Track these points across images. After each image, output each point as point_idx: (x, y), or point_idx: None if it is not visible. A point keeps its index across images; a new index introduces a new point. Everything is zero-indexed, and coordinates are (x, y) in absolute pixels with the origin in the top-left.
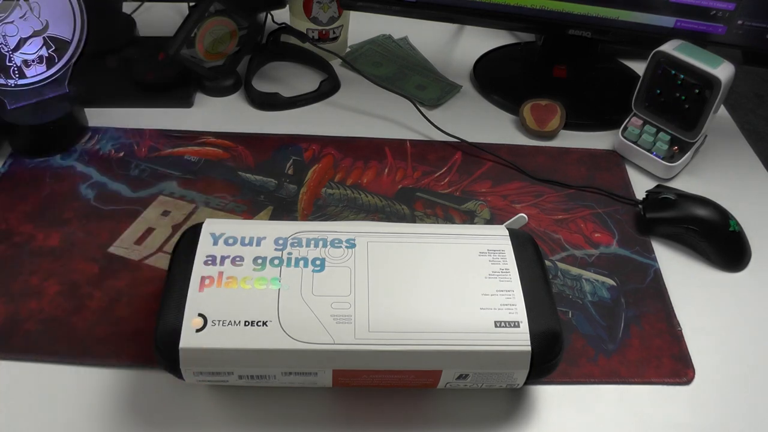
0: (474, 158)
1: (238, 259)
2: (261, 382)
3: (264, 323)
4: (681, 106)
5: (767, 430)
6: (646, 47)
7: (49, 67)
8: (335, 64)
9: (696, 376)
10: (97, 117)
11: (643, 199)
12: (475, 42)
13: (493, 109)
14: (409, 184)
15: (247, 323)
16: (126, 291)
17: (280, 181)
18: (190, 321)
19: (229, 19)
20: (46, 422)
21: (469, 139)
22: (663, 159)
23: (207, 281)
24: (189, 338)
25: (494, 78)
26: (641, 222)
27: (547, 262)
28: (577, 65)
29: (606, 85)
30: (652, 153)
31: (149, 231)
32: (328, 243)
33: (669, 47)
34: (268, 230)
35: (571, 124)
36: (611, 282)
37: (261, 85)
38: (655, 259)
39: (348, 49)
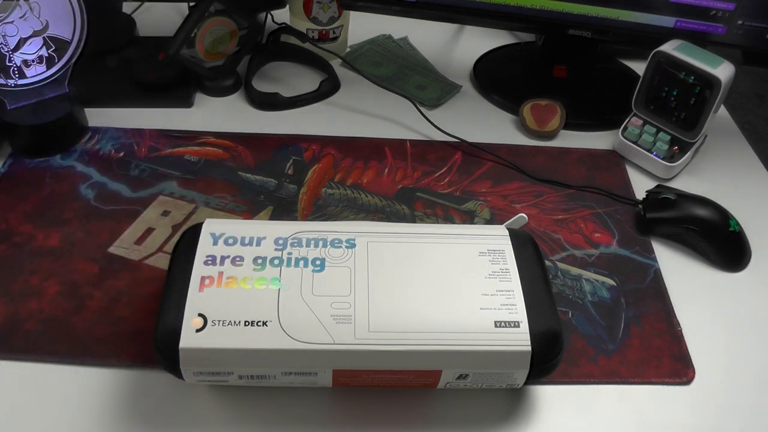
0: (474, 158)
1: (238, 259)
2: (261, 382)
3: (264, 323)
4: (681, 106)
5: (767, 430)
6: (646, 47)
7: (49, 67)
8: (335, 64)
9: (696, 376)
10: (97, 117)
11: (643, 199)
12: (475, 42)
13: (493, 109)
14: (409, 184)
15: (247, 323)
16: (126, 291)
17: (280, 181)
18: (190, 321)
19: (229, 19)
20: (46, 422)
21: (469, 139)
22: (663, 159)
23: (207, 281)
24: (189, 338)
25: (494, 78)
26: (641, 222)
27: (547, 262)
28: (577, 65)
29: (606, 85)
30: (652, 153)
31: (149, 231)
32: (328, 243)
33: (669, 47)
34: (268, 230)
35: (571, 124)
36: (611, 282)
37: (261, 85)
38: (655, 259)
39: (348, 49)
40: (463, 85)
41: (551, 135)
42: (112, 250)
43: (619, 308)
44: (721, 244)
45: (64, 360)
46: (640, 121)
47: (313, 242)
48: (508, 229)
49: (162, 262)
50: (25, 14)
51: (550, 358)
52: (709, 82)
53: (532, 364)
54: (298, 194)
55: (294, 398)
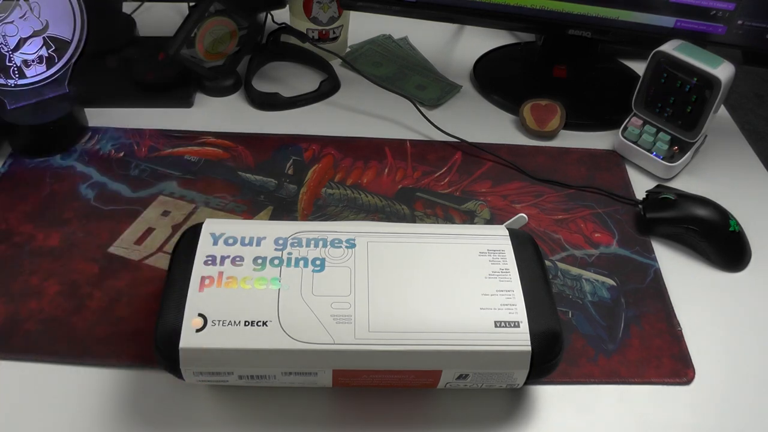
0: (474, 158)
1: (238, 259)
2: (261, 382)
3: (264, 323)
4: (681, 106)
5: (767, 430)
6: (646, 47)
7: (49, 67)
8: (335, 64)
9: (696, 376)
10: (97, 117)
11: (643, 199)
12: (475, 42)
13: (493, 109)
14: (409, 184)
15: (247, 323)
16: (126, 291)
17: (280, 181)
18: (190, 321)
19: (229, 19)
20: (46, 422)
21: (469, 139)
22: (663, 159)
23: (207, 281)
24: (189, 338)
25: (494, 78)
26: (641, 222)
27: (547, 262)
28: (577, 65)
29: (606, 85)
30: (652, 153)
31: (149, 231)
32: (328, 243)
33: (669, 47)
34: (268, 230)
35: (571, 124)
36: (611, 282)
37: (261, 85)
38: (655, 259)
39: (348, 49)
40: (463, 85)
41: (551, 135)
42: (112, 250)
43: (619, 308)
44: (721, 244)
45: (64, 360)
46: (640, 121)
47: (313, 242)
48: (508, 229)
49: (162, 262)
50: (25, 14)
51: (550, 358)
52: (709, 82)
53: (532, 364)
54: (298, 194)
55: (294, 398)
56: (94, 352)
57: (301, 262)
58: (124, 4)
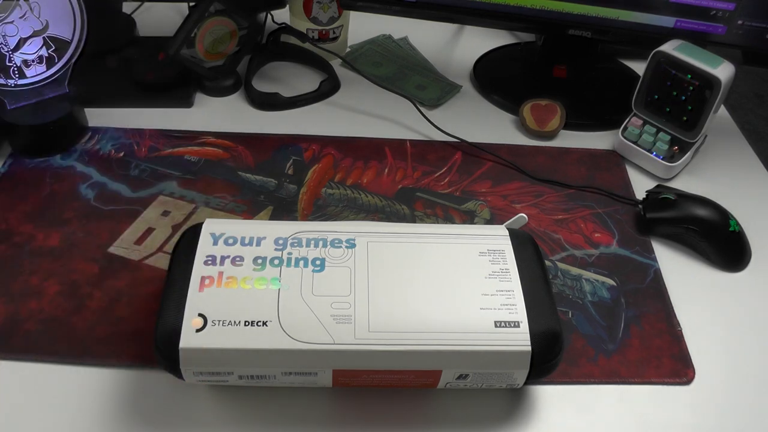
0: (474, 158)
1: (238, 259)
2: (261, 382)
3: (264, 323)
4: (681, 106)
5: (767, 430)
6: (646, 47)
7: (49, 67)
8: (335, 64)
9: (696, 376)
10: (97, 117)
11: (643, 199)
12: (475, 42)
13: (493, 109)
14: (409, 184)
15: (247, 323)
16: (126, 291)
17: (280, 181)
18: (190, 321)
19: (229, 19)
20: (46, 422)
21: (469, 139)
22: (663, 159)
23: (207, 281)
24: (189, 338)
25: (494, 78)
26: (641, 222)
27: (547, 262)
28: (577, 65)
29: (606, 85)
30: (652, 153)
31: (149, 231)
32: (328, 243)
33: (669, 47)
34: (268, 230)
35: (571, 124)
36: (611, 282)
37: (261, 85)
38: (655, 259)
39: (348, 49)
40: (463, 85)
41: (551, 135)
42: (112, 250)
43: (619, 308)
44: (721, 244)
45: (64, 360)
46: (640, 121)
47: (313, 242)
48: (508, 229)
49: (162, 262)
50: (25, 14)
51: (550, 358)
52: (709, 82)
53: (532, 364)
54: (298, 194)
55: (294, 398)
56: (94, 352)
57: (301, 262)
58: (124, 4)
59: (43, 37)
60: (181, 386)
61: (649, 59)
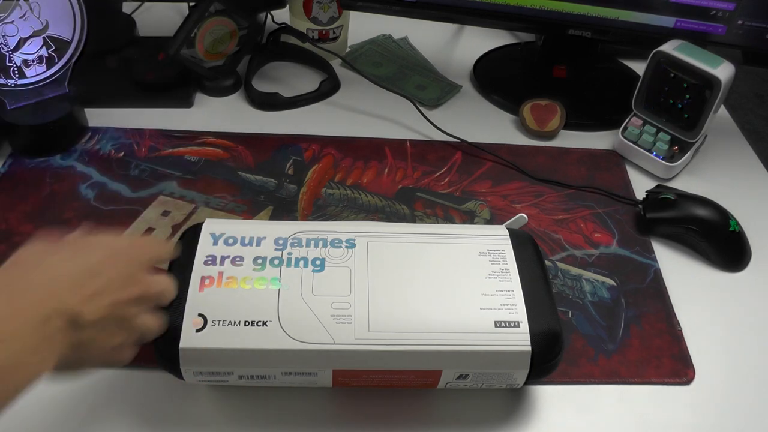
0: (474, 158)
1: (238, 259)
2: (261, 382)
3: (264, 323)
4: (681, 106)
5: (767, 430)
6: (646, 47)
7: (49, 67)
8: (335, 64)
9: (696, 376)
10: (97, 117)
11: (643, 199)
12: (475, 42)
13: (493, 109)
14: (409, 184)
15: (247, 323)
16: None
17: (280, 181)
18: (190, 321)
19: (229, 19)
20: (46, 422)
21: (469, 139)
22: (663, 159)
23: (207, 281)
24: (189, 338)
25: (494, 78)
26: (641, 222)
27: (547, 262)
28: (577, 65)
29: (606, 85)
30: (652, 153)
31: (149, 231)
32: (328, 243)
33: (669, 47)
34: (268, 230)
35: (571, 124)
36: (611, 282)
37: (261, 85)
38: (655, 259)
39: (348, 49)
40: (463, 85)
41: (551, 135)
42: None
43: (619, 308)
44: (721, 244)
45: None
46: (640, 121)
47: (313, 242)
48: (508, 229)
49: None
50: (25, 14)
51: (550, 358)
52: (709, 82)
53: (532, 364)
54: (298, 194)
55: (294, 398)
56: None
57: (301, 262)
58: (124, 4)
59: (43, 37)
60: (181, 386)
61: (649, 59)
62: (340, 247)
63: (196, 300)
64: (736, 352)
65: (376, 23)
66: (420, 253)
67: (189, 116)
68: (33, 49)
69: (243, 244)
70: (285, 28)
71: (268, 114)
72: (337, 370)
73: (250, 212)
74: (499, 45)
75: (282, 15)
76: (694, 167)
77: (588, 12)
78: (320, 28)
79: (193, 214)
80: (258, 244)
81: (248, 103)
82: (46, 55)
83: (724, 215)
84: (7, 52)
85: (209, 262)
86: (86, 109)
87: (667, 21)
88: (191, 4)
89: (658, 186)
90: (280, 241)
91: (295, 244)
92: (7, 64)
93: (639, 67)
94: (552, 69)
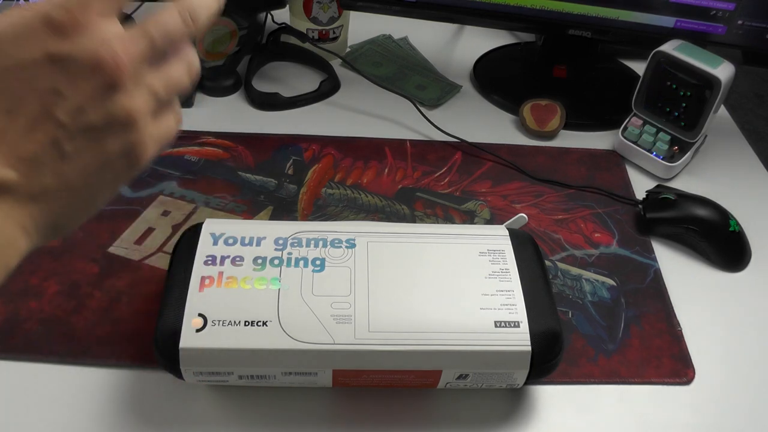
0: (474, 158)
1: (238, 259)
2: (261, 382)
3: (264, 323)
4: (681, 106)
5: (767, 430)
6: (646, 47)
7: None
8: (335, 64)
9: (696, 376)
10: None
11: (643, 199)
12: (475, 42)
13: (493, 109)
14: (409, 184)
15: (247, 323)
16: (126, 291)
17: (280, 181)
18: (190, 321)
19: (229, 19)
20: (46, 422)
21: (469, 139)
22: (663, 159)
23: (207, 281)
24: (189, 338)
25: (494, 78)
26: (641, 222)
27: (547, 262)
28: (577, 65)
29: (606, 85)
30: (652, 153)
31: (149, 231)
32: (328, 243)
33: (669, 47)
34: (268, 230)
35: (571, 124)
36: (611, 282)
37: (261, 85)
38: (655, 259)
39: (348, 49)
40: (463, 85)
41: (551, 135)
42: (112, 250)
43: (619, 308)
44: (721, 244)
45: (63, 360)
46: (640, 121)
47: (313, 242)
48: (508, 229)
49: (162, 262)
50: None
51: (550, 358)
52: (709, 82)
53: (532, 364)
54: (298, 194)
55: (294, 398)
56: (93, 352)
57: (301, 262)
58: None
59: None
60: (181, 386)
61: (649, 59)
62: (340, 247)
63: (196, 300)
64: (736, 352)
65: (376, 23)
66: (420, 253)
67: (189, 116)
68: None
69: (243, 244)
70: (285, 28)
71: (268, 114)
72: (337, 370)
73: (250, 212)
74: (499, 45)
75: (282, 15)
76: (694, 167)
77: (588, 12)
78: (320, 28)
79: (193, 214)
80: (258, 244)
81: (248, 103)
82: None
83: (724, 215)
84: None
85: (209, 262)
86: None
87: (667, 21)
88: None
89: (658, 186)
90: (280, 241)
91: (295, 244)
92: None
93: (639, 67)
94: (552, 69)
